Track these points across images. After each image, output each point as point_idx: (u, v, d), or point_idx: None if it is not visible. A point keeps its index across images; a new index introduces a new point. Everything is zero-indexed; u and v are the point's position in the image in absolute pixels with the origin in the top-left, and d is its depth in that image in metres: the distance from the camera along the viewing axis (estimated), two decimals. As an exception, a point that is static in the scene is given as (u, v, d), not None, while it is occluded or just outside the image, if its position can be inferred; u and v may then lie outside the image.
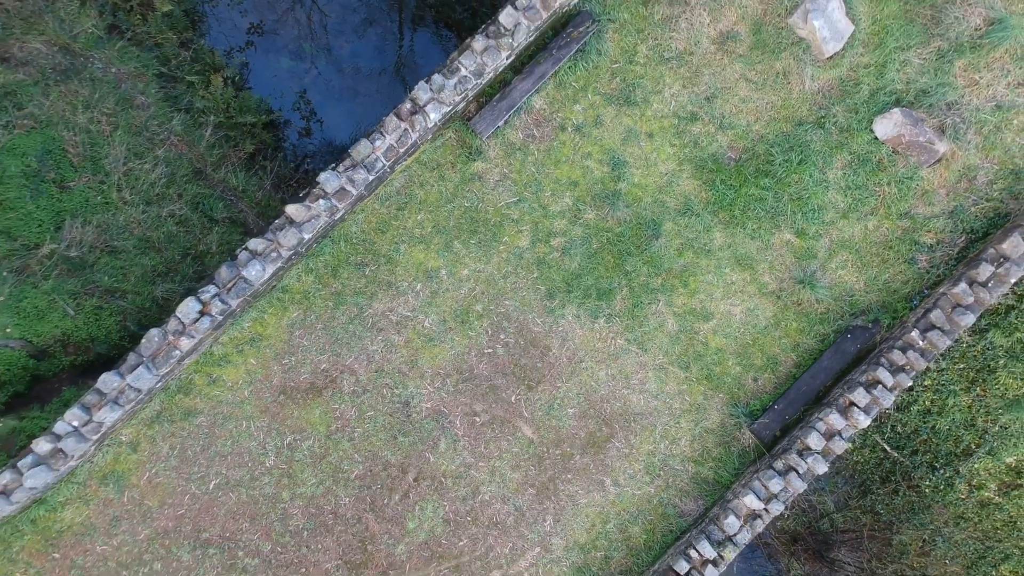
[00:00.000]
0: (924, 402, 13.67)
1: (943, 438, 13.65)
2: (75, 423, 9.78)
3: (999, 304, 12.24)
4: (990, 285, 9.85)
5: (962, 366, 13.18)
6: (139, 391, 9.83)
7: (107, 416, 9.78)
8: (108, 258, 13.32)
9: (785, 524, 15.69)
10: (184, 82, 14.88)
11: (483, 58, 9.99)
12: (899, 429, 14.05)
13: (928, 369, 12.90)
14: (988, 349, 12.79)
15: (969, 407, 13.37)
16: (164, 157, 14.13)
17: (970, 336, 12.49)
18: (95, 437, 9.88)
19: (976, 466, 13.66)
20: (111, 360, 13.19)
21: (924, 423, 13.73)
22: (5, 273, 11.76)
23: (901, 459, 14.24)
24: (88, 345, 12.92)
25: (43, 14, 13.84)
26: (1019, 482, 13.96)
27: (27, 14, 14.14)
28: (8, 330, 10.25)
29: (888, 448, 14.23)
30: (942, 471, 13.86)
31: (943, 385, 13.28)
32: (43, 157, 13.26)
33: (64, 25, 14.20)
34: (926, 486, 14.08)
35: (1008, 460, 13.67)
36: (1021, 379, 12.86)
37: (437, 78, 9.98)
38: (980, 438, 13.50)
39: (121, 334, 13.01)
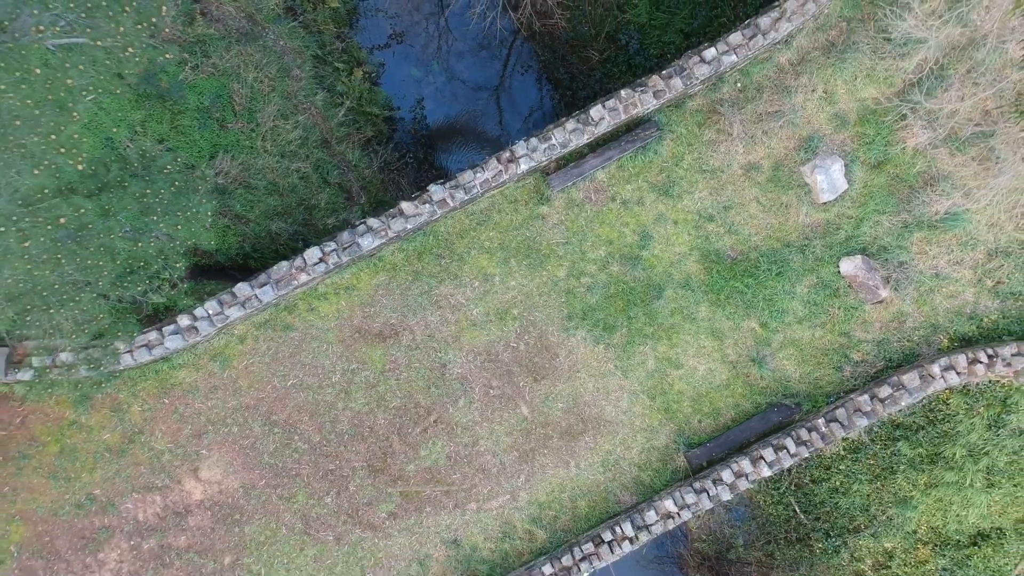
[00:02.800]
0: (835, 482, 17.09)
1: (841, 514, 17.09)
2: (210, 312, 13.47)
3: (912, 422, 15.65)
4: (886, 402, 13.29)
5: (871, 463, 16.59)
6: (260, 302, 13.49)
7: (234, 314, 13.46)
8: (243, 191, 16.93)
9: (700, 546, 19.21)
10: (332, 67, 18.49)
11: (570, 136, 13.53)
12: (811, 498, 17.49)
13: (843, 456, 16.34)
14: (894, 455, 16.21)
15: (868, 496, 16.78)
16: (303, 123, 17.76)
17: (883, 441, 15.89)
18: (220, 326, 13.56)
19: (860, 543, 17.08)
20: (223, 268, 16.87)
21: (831, 498, 17.16)
22: (175, 185, 15.41)
23: (805, 521, 17.72)
24: (212, 253, 16.57)
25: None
26: (889, 564, 17.43)
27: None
28: (163, 227, 13.82)
29: (797, 509, 17.70)
30: (833, 539, 17.29)
31: (853, 473, 16.67)
32: (215, 100, 16.83)
33: (256, -2, 17.81)
34: (818, 547, 17.54)
35: (886, 544, 17.11)
36: (913, 485, 16.24)
37: (533, 141, 13.53)
38: (870, 522, 16.91)
39: (238, 252, 16.67)
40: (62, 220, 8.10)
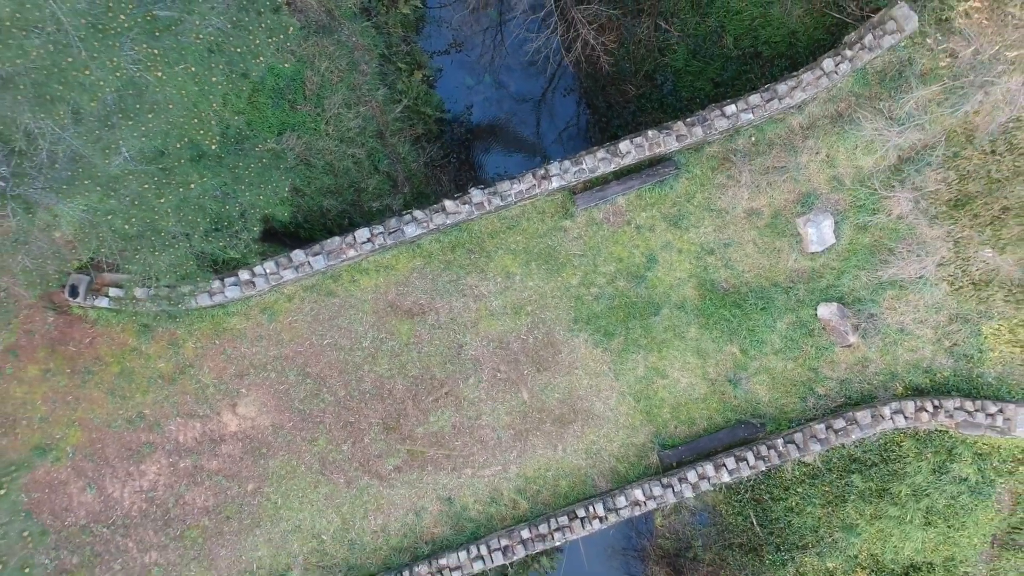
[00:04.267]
0: (791, 502, 19.02)
1: (793, 531, 19.01)
2: (267, 271, 15.52)
3: (868, 458, 17.58)
4: (839, 433, 15.23)
5: (826, 489, 18.52)
6: (312, 268, 15.52)
7: (288, 275, 15.51)
8: (303, 167, 18.95)
9: (663, 542, 21.19)
10: (396, 67, 20.50)
11: (599, 163, 15.50)
12: (768, 513, 19.44)
13: (802, 480, 18.26)
14: (848, 485, 18.13)
15: (819, 518, 18.70)
16: (363, 114, 19.77)
17: (839, 472, 17.79)
18: (273, 284, 15.61)
19: (806, 559, 19.00)
20: (277, 233, 18.89)
21: (785, 516, 19.10)
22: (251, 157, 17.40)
23: (760, 533, 19.66)
24: (269, 219, 18.60)
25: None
26: (829, 582, 19.32)
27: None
28: (248, 195, 15.88)
29: (755, 522, 19.64)
30: (783, 553, 19.22)
31: (808, 496, 18.59)
32: (289, 82, 18.81)
33: (337, -5, 19.78)
34: (767, 559, 19.48)
35: (829, 564, 19.04)
36: (860, 515, 18.15)
37: (566, 163, 15.51)
38: (817, 542, 18.83)
39: (292, 222, 18.69)
40: (192, 185, 10.09)
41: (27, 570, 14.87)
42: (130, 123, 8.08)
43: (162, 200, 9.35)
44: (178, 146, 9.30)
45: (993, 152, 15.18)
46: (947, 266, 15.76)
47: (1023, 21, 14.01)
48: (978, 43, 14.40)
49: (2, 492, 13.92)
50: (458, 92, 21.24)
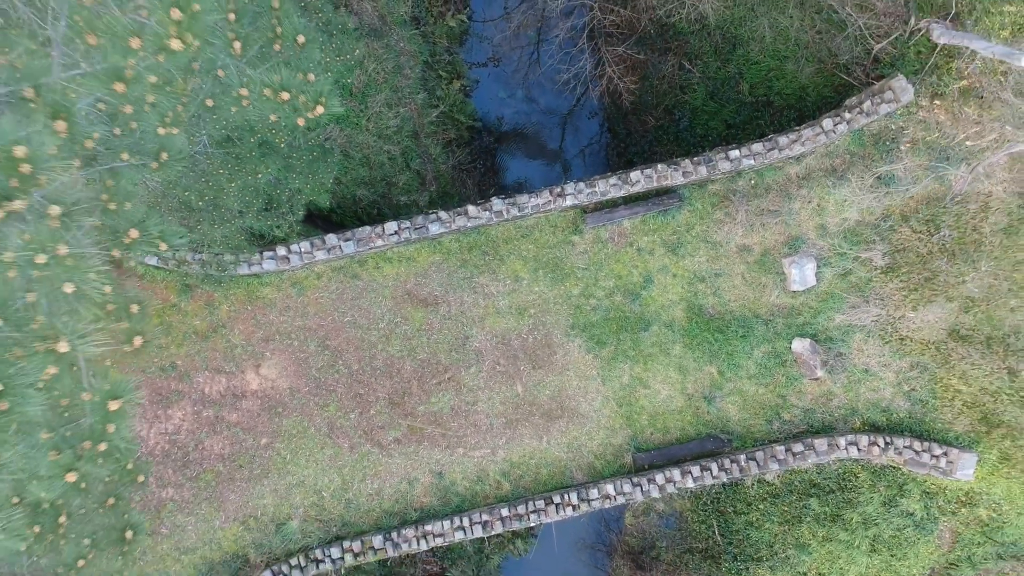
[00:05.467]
0: (752, 517, 20.67)
1: (750, 544, 20.67)
2: (302, 249, 17.25)
3: (826, 484, 19.22)
4: (797, 457, 16.87)
5: (785, 509, 20.17)
6: (342, 252, 17.24)
7: (320, 255, 17.23)
8: (341, 158, 20.64)
9: (630, 540, 22.87)
10: (437, 74, 22.20)
11: (610, 188, 17.16)
12: (730, 525, 21.08)
13: (764, 498, 19.91)
14: (805, 508, 19.78)
15: (775, 535, 20.36)
16: (402, 115, 21.48)
17: (799, 494, 19.42)
18: (306, 262, 17.33)
19: (759, 572, 20.66)
20: (311, 216, 20.57)
21: (745, 529, 20.75)
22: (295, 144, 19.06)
23: (720, 542, 21.31)
24: (310, 205, 20.29)
25: (381, -11, 21.14)
26: (779, 594, 20.95)
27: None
28: (297, 182, 17.59)
29: (717, 531, 21.30)
30: (739, 563, 20.87)
31: (768, 514, 20.24)
32: (339, 78, 20.46)
33: (389, 2, 21.49)
34: (724, 567, 21.14)
35: (778, 578, 20.63)
36: (813, 536, 19.79)
37: (581, 185, 17.17)
38: (771, 556, 20.48)
39: (327, 207, 20.39)
40: (259, 175, 11.80)
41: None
42: (214, 116, 9.79)
43: (232, 184, 11.05)
44: (251, 140, 11.00)
45: (924, 230, 17.02)
46: (910, 322, 17.38)
47: (978, 117, 15.72)
48: (936, 132, 16.14)
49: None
50: (491, 103, 22.93)
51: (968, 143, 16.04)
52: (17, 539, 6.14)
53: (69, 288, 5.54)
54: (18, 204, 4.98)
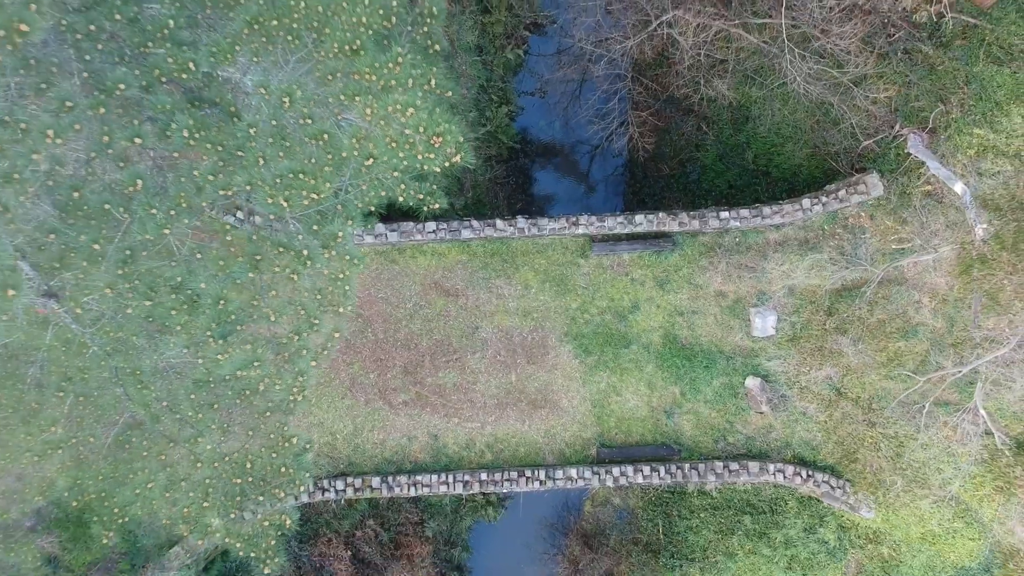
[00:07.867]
0: (693, 523, 24.00)
1: (688, 546, 23.99)
2: (355, 232, 20.65)
3: (760, 505, 22.53)
4: (732, 474, 20.19)
5: (721, 521, 23.49)
6: (386, 239, 20.65)
7: (368, 239, 20.63)
8: (397, 156, 23.89)
9: (585, 525, 26.28)
10: (489, 98, 25.53)
11: (617, 225, 20.49)
12: (674, 527, 24.44)
13: (706, 508, 23.24)
14: (739, 522, 23.09)
15: (709, 542, 23.68)
16: (454, 128, 24.74)
17: (735, 510, 22.74)
18: (357, 243, 20.75)
19: (691, 571, 23.97)
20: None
21: (685, 532, 24.08)
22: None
23: (662, 539, 24.66)
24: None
25: (453, 18, 24.45)
26: (704, 594, 24.25)
27: (452, 12, 24.65)
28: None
29: (661, 530, 24.64)
30: (675, 560, 24.18)
31: (707, 523, 23.55)
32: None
33: (461, 31, 24.72)
34: (662, 561, 24.48)
35: (706, 580, 23.93)
36: (741, 547, 23.09)
37: (593, 218, 20.51)
38: (703, 559, 23.79)
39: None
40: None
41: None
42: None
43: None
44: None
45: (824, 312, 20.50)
46: (849, 382, 20.68)
47: (896, 228, 19.10)
48: (872, 235, 19.49)
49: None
50: (532, 128, 26.25)
51: (893, 247, 19.42)
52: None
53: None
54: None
